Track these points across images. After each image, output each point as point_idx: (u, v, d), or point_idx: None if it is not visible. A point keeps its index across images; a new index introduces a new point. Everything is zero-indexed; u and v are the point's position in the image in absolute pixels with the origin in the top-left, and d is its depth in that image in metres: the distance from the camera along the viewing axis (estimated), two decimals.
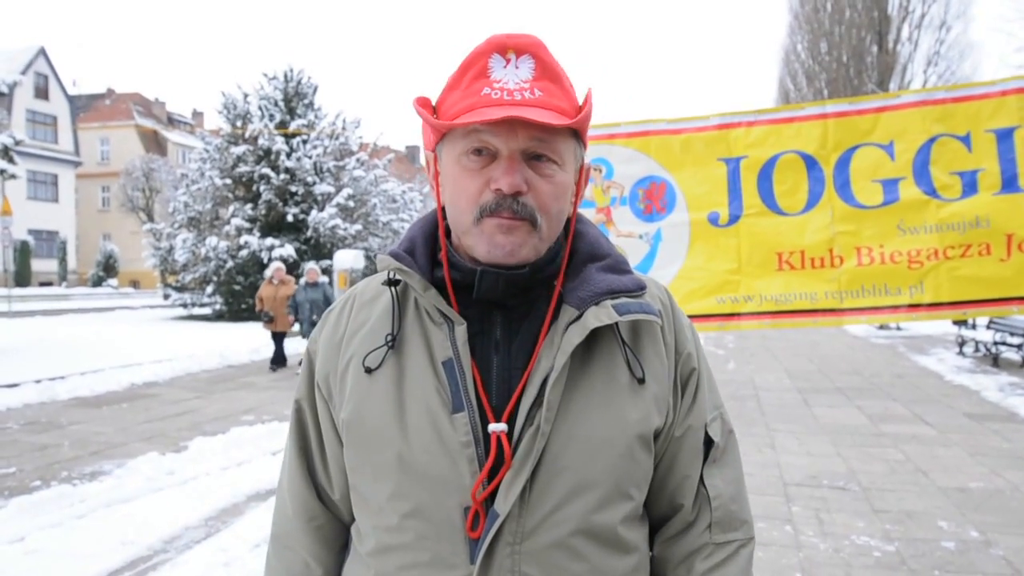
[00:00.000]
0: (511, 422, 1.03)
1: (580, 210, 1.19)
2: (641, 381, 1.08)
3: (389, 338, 1.10)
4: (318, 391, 1.17)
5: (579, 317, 1.05)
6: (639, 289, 1.11)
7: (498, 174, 1.02)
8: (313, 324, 11.29)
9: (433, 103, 1.10)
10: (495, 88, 1.03)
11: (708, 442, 1.17)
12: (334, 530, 1.21)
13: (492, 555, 1.00)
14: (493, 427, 1.02)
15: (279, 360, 12.57)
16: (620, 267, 1.13)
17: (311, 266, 11.89)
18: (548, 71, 1.05)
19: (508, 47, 1.04)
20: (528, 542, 1.01)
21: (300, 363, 10.88)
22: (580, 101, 1.09)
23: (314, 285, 11.69)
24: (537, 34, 1.06)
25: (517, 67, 1.04)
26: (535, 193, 1.04)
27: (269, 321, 12.16)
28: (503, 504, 1.00)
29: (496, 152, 1.04)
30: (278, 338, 12.49)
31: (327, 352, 1.16)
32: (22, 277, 37.85)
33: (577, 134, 1.10)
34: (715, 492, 1.16)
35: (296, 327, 12.18)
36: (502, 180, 1.02)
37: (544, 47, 1.06)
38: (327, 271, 22.97)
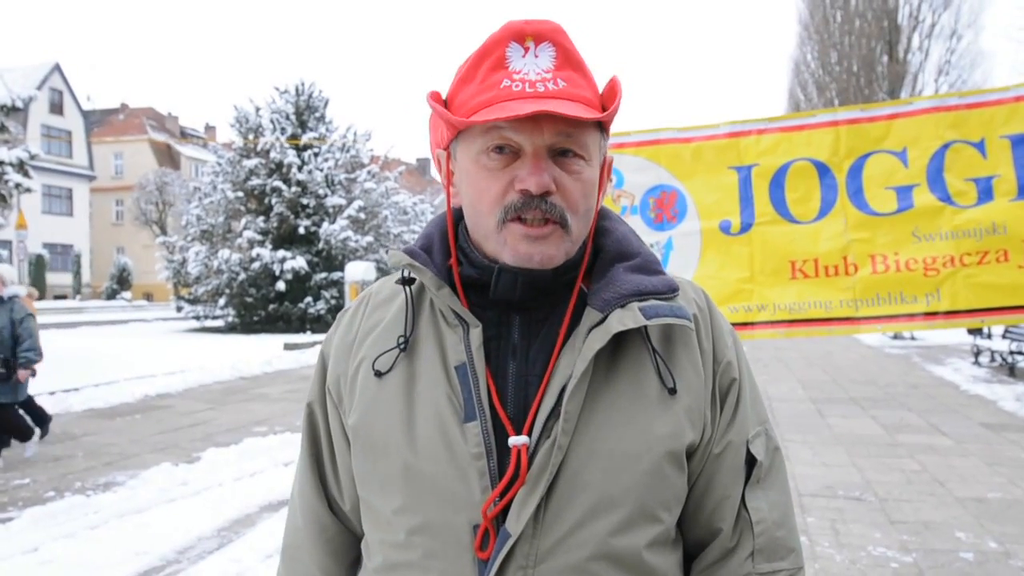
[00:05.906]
0: (528, 434, 0.95)
1: None
2: (672, 392, 0.98)
3: (401, 340, 1.03)
4: (329, 396, 1.10)
5: (602, 320, 0.96)
6: (670, 291, 1.01)
7: (524, 173, 0.94)
8: None
9: (443, 96, 1.02)
10: (515, 80, 0.95)
11: (751, 460, 1.05)
12: (345, 543, 1.14)
13: None
14: (513, 440, 0.94)
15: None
16: (650, 267, 1.04)
17: None
18: (570, 59, 0.97)
19: (526, 34, 0.96)
20: (543, 566, 0.92)
21: (25, 454, 7.21)
22: (600, 89, 1.02)
23: None
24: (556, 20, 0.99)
25: (537, 55, 0.96)
26: (563, 192, 0.96)
27: None
28: (515, 523, 0.92)
29: (519, 149, 0.95)
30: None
31: (339, 354, 1.10)
32: (37, 290, 38.16)
33: (602, 125, 1.02)
34: (758, 516, 1.04)
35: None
36: (529, 180, 0.93)
37: (564, 33, 0.98)
38: (337, 283, 23.09)
